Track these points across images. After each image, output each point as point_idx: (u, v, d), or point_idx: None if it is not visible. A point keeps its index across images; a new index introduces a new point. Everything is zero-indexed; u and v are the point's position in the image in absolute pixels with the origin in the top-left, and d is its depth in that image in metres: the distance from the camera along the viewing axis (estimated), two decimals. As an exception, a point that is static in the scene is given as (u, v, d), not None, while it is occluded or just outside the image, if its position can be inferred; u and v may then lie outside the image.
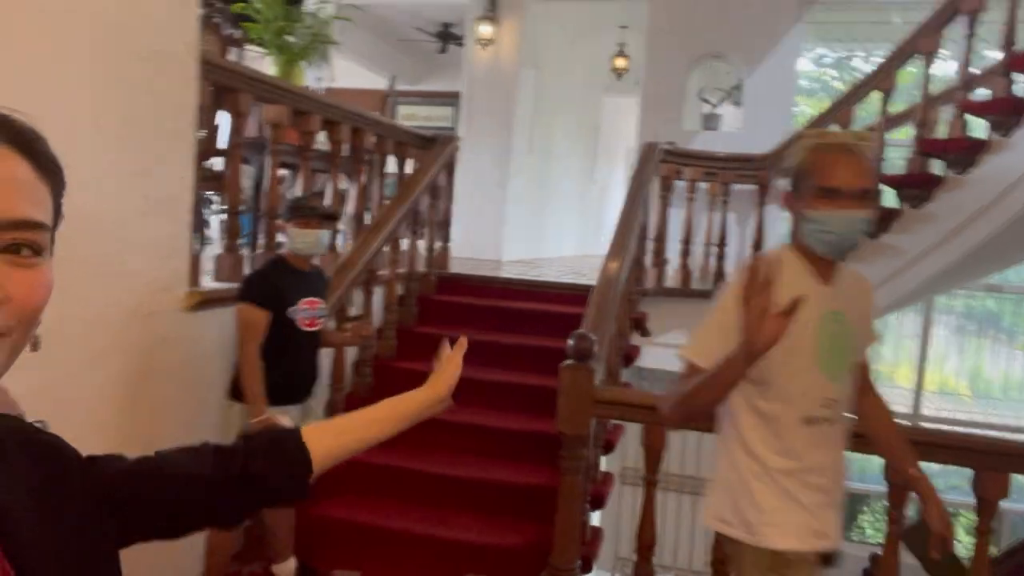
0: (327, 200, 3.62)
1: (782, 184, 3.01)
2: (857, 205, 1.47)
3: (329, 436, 0.85)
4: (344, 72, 6.17)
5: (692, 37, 5.74)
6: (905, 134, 4.36)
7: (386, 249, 3.87)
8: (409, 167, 4.43)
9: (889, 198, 4.00)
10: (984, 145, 3.72)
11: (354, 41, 6.79)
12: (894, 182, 3.99)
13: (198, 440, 2.39)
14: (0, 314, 0.52)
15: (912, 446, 1.75)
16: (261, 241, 3.31)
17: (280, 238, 2.98)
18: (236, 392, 2.57)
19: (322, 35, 3.91)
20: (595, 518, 3.38)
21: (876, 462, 3.08)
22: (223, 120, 3.29)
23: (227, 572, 2.71)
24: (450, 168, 4.70)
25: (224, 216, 3.22)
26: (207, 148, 3.21)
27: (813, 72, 8.24)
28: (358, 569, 2.91)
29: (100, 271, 2.21)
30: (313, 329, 2.68)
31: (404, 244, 4.20)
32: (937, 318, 7.44)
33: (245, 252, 3.27)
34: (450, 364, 1.03)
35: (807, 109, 7.55)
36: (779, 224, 4.47)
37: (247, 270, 3.03)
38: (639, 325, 4.29)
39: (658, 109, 5.69)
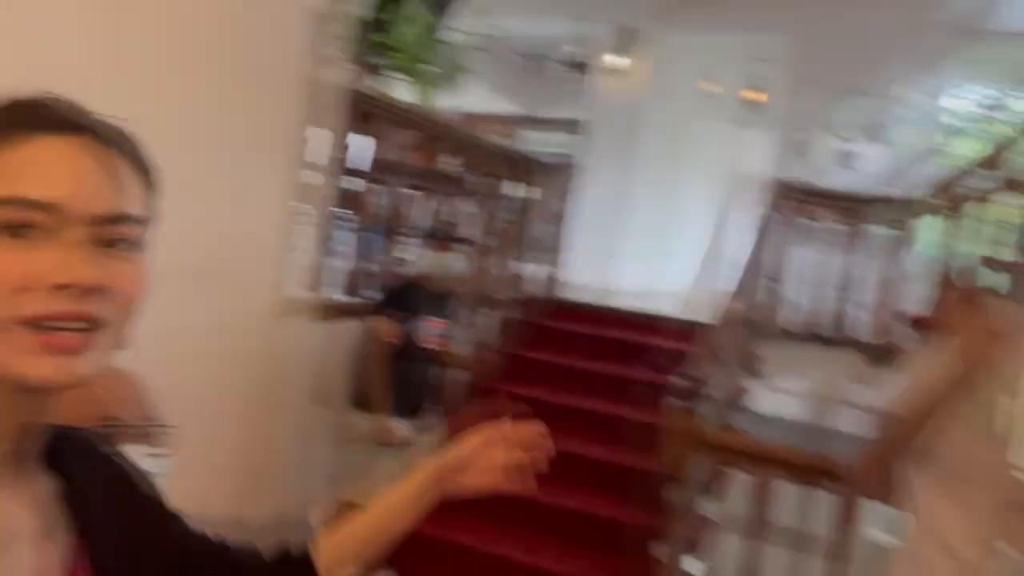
0: (454, 223, 3.74)
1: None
2: None
3: (341, 543, 0.84)
4: (473, 97, 6.37)
5: (832, 70, 5.50)
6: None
7: (500, 272, 3.94)
8: (528, 192, 4.49)
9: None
10: None
11: (483, 68, 7.01)
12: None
13: (313, 446, 2.49)
14: (99, 305, 0.54)
15: None
16: (386, 258, 3.44)
17: (406, 256, 3.11)
18: (357, 401, 2.70)
19: (457, 63, 4.06)
20: (693, 566, 3.24)
21: None
22: (355, 142, 3.47)
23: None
24: (569, 195, 4.73)
25: (351, 233, 3.39)
26: (341, 167, 3.39)
27: (966, 111, 7.67)
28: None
29: (232, 281, 2.38)
30: (434, 347, 2.76)
31: (518, 268, 4.25)
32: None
33: (368, 268, 3.41)
34: (495, 446, 0.86)
35: (958, 150, 7.03)
36: (910, 268, 4.17)
37: (369, 286, 3.16)
38: (752, 366, 4.12)
39: (790, 144, 5.48)
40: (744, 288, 3.42)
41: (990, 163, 3.87)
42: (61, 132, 0.54)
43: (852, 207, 4.30)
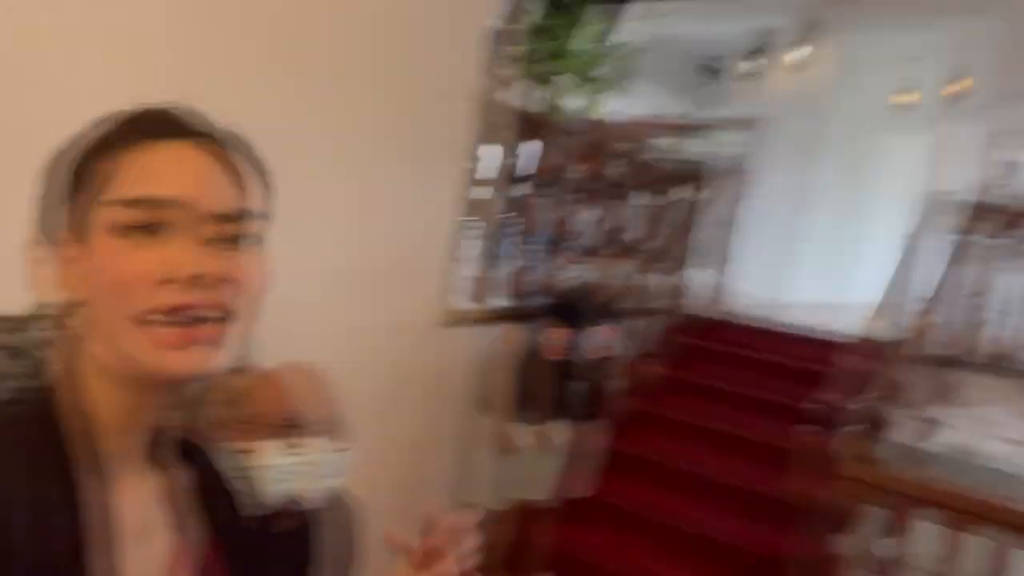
0: (620, 231, 3.68)
1: None
2: None
3: None
4: (641, 101, 6.25)
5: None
6: None
7: (665, 282, 3.83)
8: (696, 197, 4.32)
9: None
10: None
11: (652, 70, 6.85)
12: None
13: (440, 444, 2.51)
14: (228, 296, 0.56)
15: None
16: (549, 267, 3.45)
17: (569, 265, 3.11)
18: (486, 404, 2.76)
19: (625, 68, 4.00)
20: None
21: None
22: (492, 152, 3.51)
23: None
24: (739, 200, 4.50)
25: (515, 242, 3.43)
26: (476, 178, 3.45)
27: None
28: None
29: (377, 286, 2.48)
30: (562, 359, 2.75)
31: (651, 280, 4.09)
32: None
33: (529, 277, 3.44)
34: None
35: None
36: None
37: (497, 293, 3.19)
38: (944, 398, 3.70)
39: (996, 147, 4.87)
40: (936, 310, 3.07)
41: None
42: (184, 137, 0.57)
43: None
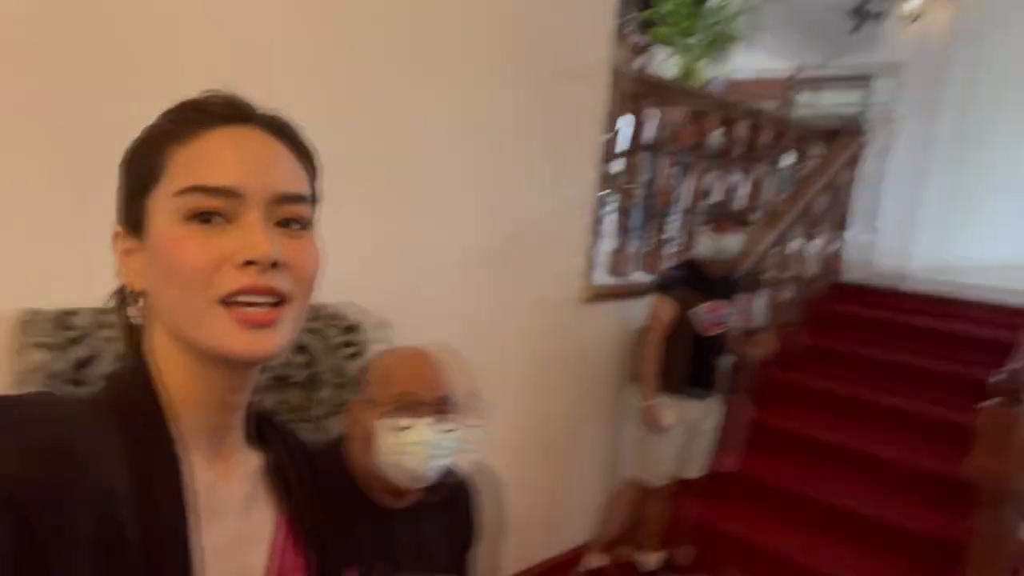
0: (730, 200, 3.60)
1: None
2: None
3: None
4: (746, 62, 6.00)
5: None
6: None
7: (775, 251, 3.70)
8: (811, 160, 4.14)
9: None
10: None
11: (759, 29, 6.55)
12: None
13: (590, 420, 2.54)
14: (283, 279, 0.56)
15: None
16: (659, 240, 3.42)
17: (681, 237, 3.07)
18: (633, 379, 2.77)
19: (726, 31, 3.86)
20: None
21: None
22: (623, 123, 3.47)
23: (610, 541, 2.86)
24: (855, 162, 4.27)
25: (617, 215, 3.41)
26: (609, 151, 3.42)
27: None
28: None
29: (523, 265, 2.54)
30: (714, 332, 2.71)
31: (795, 246, 3.96)
32: None
33: (634, 250, 3.42)
34: None
35: None
36: None
37: (636, 267, 3.19)
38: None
39: None
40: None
41: None
42: (230, 124, 0.59)
43: None
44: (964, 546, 2.42)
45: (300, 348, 1.72)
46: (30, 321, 1.33)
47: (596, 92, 2.70)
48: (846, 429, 3.30)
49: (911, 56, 5.66)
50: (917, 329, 3.79)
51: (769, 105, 3.45)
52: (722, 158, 3.69)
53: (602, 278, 3.04)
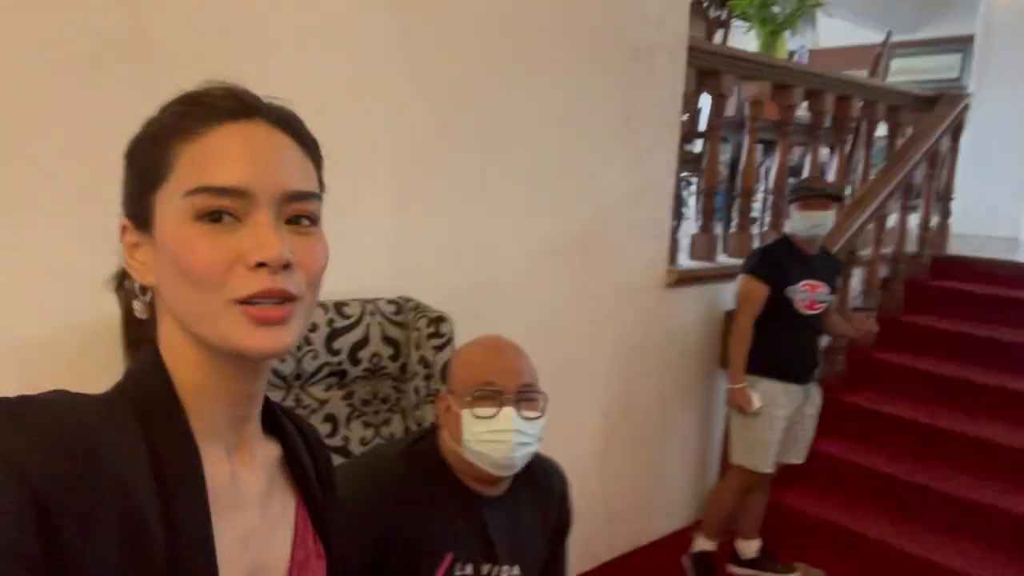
0: (819, 176, 3.45)
1: None
2: None
3: None
4: (830, 31, 5.73)
5: None
6: None
7: (870, 227, 3.52)
8: (904, 132, 3.92)
9: None
10: None
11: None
12: None
13: (681, 404, 2.50)
14: (293, 279, 0.56)
15: None
16: (737, 221, 3.32)
17: (766, 216, 2.96)
18: (722, 363, 2.70)
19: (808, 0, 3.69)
20: None
21: None
22: (704, 102, 3.37)
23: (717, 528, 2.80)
24: (956, 131, 4.01)
25: (700, 196, 3.33)
26: (688, 131, 3.33)
27: None
28: (822, 568, 2.77)
29: (602, 251, 2.52)
30: (812, 312, 2.60)
31: (892, 221, 3.76)
32: None
33: (719, 232, 3.33)
34: None
35: None
36: None
37: (721, 249, 3.10)
38: None
39: None
40: None
41: None
42: (235, 120, 0.57)
43: None
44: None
45: (388, 340, 1.75)
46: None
47: (673, 70, 2.64)
48: (949, 413, 3.13)
49: (1013, 15, 5.27)
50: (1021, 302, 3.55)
51: (858, 74, 3.27)
52: (809, 133, 3.54)
53: (686, 262, 2.98)
